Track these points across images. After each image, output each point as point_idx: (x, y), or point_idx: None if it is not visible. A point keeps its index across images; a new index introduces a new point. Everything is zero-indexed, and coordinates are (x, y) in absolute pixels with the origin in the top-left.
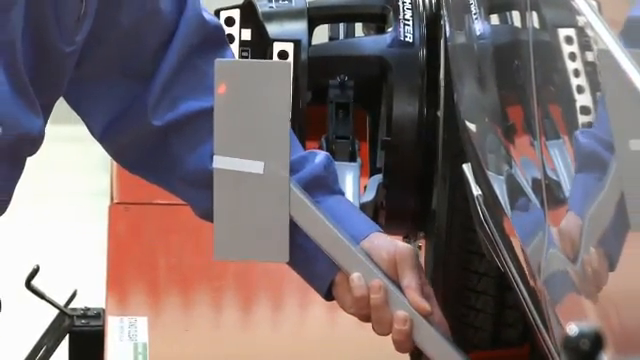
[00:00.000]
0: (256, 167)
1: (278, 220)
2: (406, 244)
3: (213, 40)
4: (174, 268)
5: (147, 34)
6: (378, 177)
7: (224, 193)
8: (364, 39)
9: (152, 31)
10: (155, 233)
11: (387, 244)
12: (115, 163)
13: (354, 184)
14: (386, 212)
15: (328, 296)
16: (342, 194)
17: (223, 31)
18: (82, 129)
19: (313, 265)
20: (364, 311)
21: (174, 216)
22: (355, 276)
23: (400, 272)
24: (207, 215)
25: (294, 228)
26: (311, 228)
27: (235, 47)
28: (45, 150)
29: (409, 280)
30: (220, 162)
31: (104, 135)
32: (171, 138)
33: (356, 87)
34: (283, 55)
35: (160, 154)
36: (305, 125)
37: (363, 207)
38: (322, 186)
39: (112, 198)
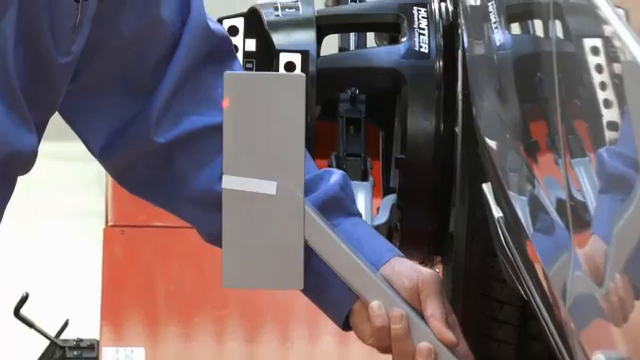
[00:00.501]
0: (268, 187)
1: (292, 244)
2: (429, 270)
3: (219, 51)
4: (173, 296)
5: (148, 44)
6: (392, 197)
7: (233, 215)
8: (376, 50)
9: (154, 41)
10: (153, 258)
11: (409, 270)
12: (110, 183)
13: (366, 205)
14: (401, 235)
15: (345, 326)
16: (359, 216)
17: (230, 41)
18: (74, 146)
19: (329, 292)
20: (384, 342)
21: (174, 240)
22: (375, 304)
23: (423, 300)
24: (215, 239)
25: (309, 252)
26: (327, 253)
27: (239, 58)
28: (36, 168)
29: (433, 309)
30: (229, 182)
31: (103, 153)
32: (176, 157)
33: (368, 101)
34: (290, 67)
35: (164, 174)
36: (314, 142)
37: (376, 229)
38: (339, 207)
39: (107, 220)
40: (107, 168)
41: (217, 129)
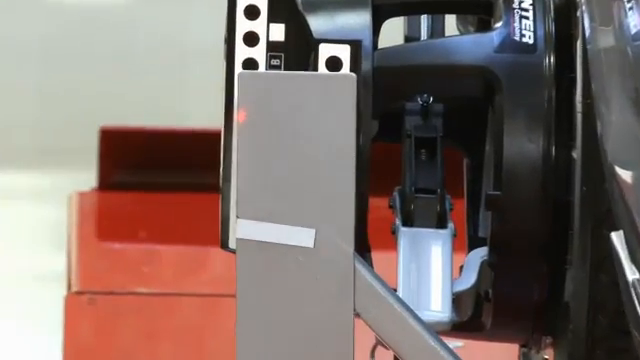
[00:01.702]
0: (303, 237)
1: (337, 318)
2: None
3: None
4: None
5: None
6: (481, 252)
7: (252, 277)
8: (459, 40)
9: None
10: (134, 337)
11: None
12: (73, 229)
13: (444, 262)
14: (494, 306)
15: None
16: None
17: None
18: (15, 179)
19: None
20: None
21: (164, 312)
22: None
23: None
24: None
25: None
26: (389, 333)
27: (260, 51)
28: None
29: None
30: (246, 230)
31: None
32: None
33: (447, 114)
34: (334, 64)
35: None
36: (368, 171)
37: (459, 298)
38: None
39: (69, 285)
40: None
41: None
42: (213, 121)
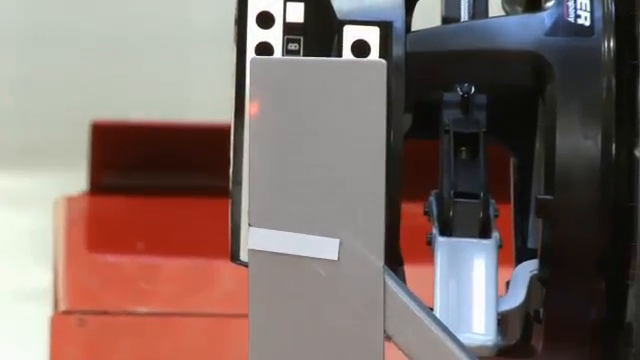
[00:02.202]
0: (325, 248)
1: (365, 341)
2: None
3: None
4: None
5: None
6: (530, 265)
7: (265, 293)
8: (505, 21)
9: None
10: None
11: None
12: (59, 240)
13: (488, 277)
14: (546, 327)
15: None
16: None
17: None
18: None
19: None
20: None
21: (169, 334)
22: None
23: None
24: None
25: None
26: (424, 358)
27: (276, 34)
28: None
29: None
30: (258, 239)
31: None
32: None
33: (491, 106)
34: (361, 49)
35: None
36: (401, 172)
37: (505, 319)
38: None
39: (56, 304)
40: None
41: None
42: (221, 114)
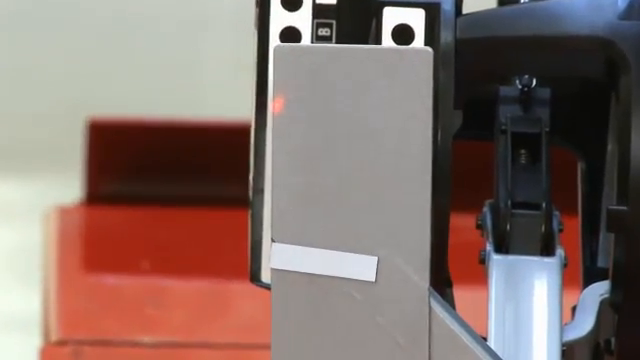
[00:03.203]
0: (361, 267)
1: None
2: None
3: None
4: None
5: None
6: (600, 288)
7: (289, 317)
8: (571, 3)
9: None
10: None
11: None
12: (52, 265)
13: (551, 300)
14: (618, 359)
15: None
16: None
17: None
18: None
19: None
20: None
21: None
22: None
23: None
24: None
25: None
26: None
27: (304, 17)
28: None
29: None
30: (284, 257)
31: None
32: None
33: (555, 102)
34: (404, 34)
35: None
36: (450, 179)
37: (570, 350)
38: None
39: (47, 333)
40: None
41: None
42: (240, 112)
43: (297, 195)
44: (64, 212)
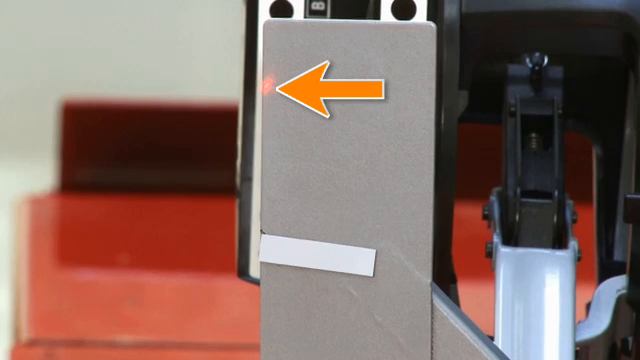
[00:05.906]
0: (358, 261)
1: None
2: None
3: None
4: None
5: None
6: (617, 283)
7: (279, 314)
8: None
9: None
10: None
11: None
12: (23, 259)
13: (563, 296)
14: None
15: None
16: None
17: None
18: None
19: None
20: None
21: None
22: None
23: None
24: None
25: None
26: None
27: None
28: None
29: None
30: (274, 250)
31: None
32: None
33: (568, 82)
34: (405, 8)
35: None
36: (454, 165)
37: (585, 350)
38: None
39: (17, 332)
40: None
41: None
42: (225, 92)
43: (289, 182)
44: (35, 202)
